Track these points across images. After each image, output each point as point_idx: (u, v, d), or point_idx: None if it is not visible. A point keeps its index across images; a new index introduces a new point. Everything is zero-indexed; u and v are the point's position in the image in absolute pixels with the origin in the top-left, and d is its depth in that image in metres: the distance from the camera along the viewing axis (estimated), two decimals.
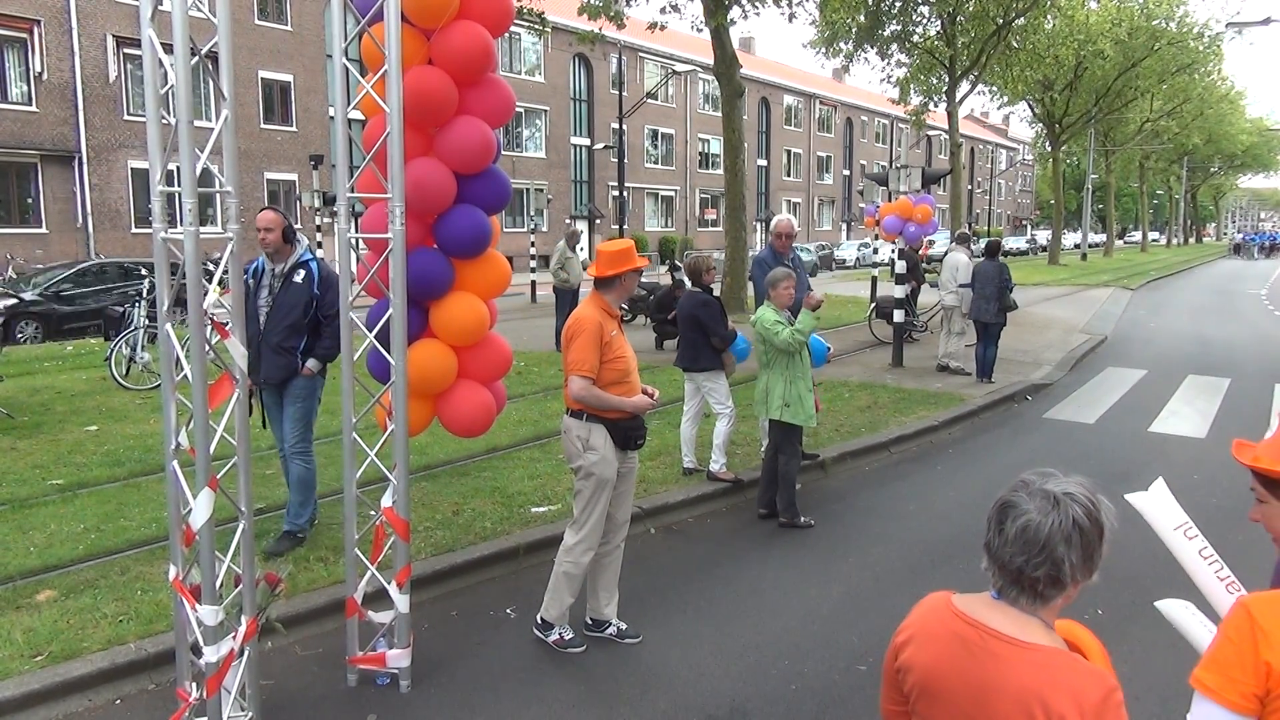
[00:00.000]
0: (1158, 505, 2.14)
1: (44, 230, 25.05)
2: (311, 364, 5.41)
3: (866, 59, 41.05)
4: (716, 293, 7.17)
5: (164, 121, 3.12)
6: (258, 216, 5.26)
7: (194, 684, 3.52)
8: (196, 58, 3.05)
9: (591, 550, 4.37)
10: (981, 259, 11.55)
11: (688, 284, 7.07)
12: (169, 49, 3.02)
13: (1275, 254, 58.58)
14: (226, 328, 3.26)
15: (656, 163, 48.24)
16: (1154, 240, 77.99)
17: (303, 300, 5.34)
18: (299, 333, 5.38)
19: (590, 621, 4.59)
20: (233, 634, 3.39)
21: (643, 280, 19.61)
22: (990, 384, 11.11)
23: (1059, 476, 1.66)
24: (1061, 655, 1.60)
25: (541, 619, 4.49)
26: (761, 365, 6.27)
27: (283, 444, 5.56)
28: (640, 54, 44.48)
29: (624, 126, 32.39)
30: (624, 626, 4.57)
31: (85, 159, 25.58)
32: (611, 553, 4.55)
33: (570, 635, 4.45)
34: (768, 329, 6.10)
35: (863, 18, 24.78)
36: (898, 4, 26.00)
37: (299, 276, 5.38)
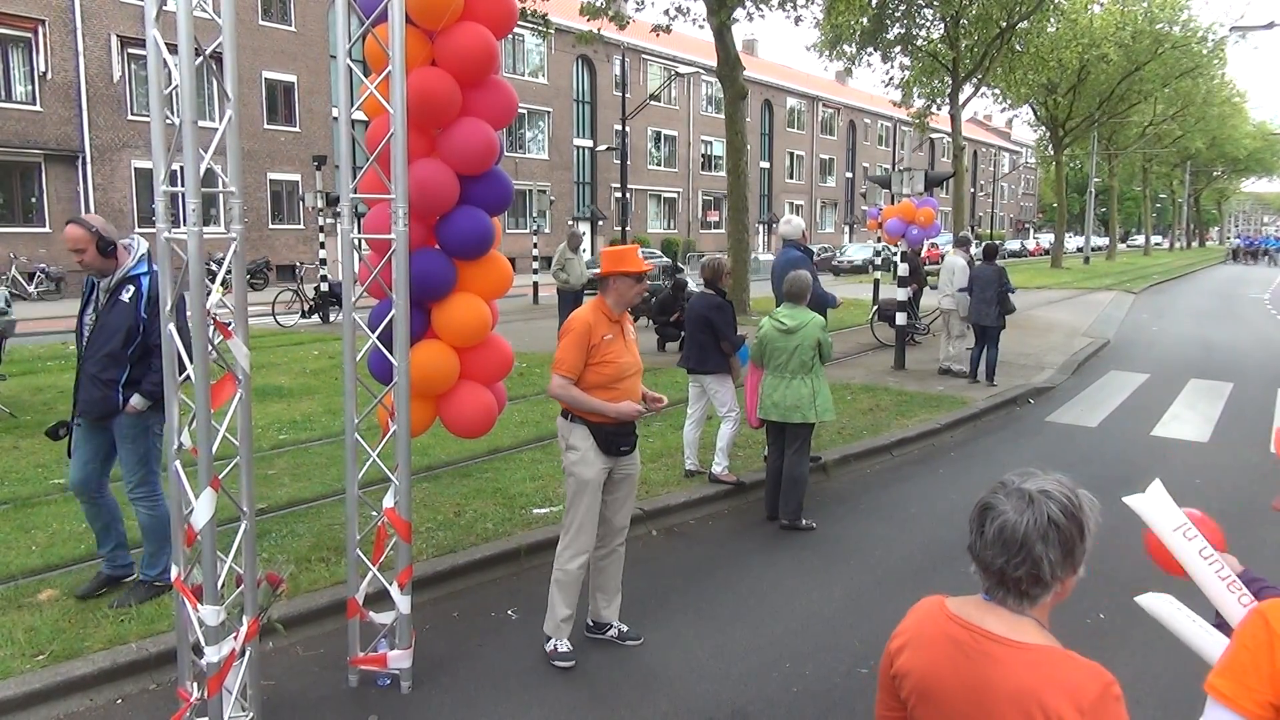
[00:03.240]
0: (1156, 507, 2.13)
1: (47, 230, 25.08)
2: (136, 401, 4.52)
3: (869, 62, 41.02)
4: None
5: (168, 122, 3.12)
6: (64, 232, 4.49)
7: (195, 684, 3.52)
8: (200, 58, 3.06)
9: (581, 555, 4.29)
10: (979, 263, 11.55)
11: (691, 286, 7.08)
12: (173, 49, 3.03)
13: None
14: (229, 327, 3.27)
15: (659, 164, 48.25)
16: (1157, 244, 77.92)
17: (125, 325, 4.49)
18: (118, 363, 4.50)
19: (591, 624, 4.58)
20: (234, 634, 3.39)
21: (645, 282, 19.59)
22: (992, 386, 11.10)
23: (1037, 475, 1.67)
24: (1056, 653, 1.61)
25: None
26: (803, 372, 6.16)
27: (86, 482, 4.69)
28: (643, 56, 44.51)
29: (627, 128, 32.33)
30: (625, 628, 4.55)
31: (89, 159, 25.63)
32: (608, 557, 4.49)
33: (563, 649, 4.31)
34: (825, 338, 6.20)
35: (866, 20, 24.79)
36: (901, 7, 26.01)
37: (126, 294, 4.51)
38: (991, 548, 1.62)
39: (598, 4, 18.75)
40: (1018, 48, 27.68)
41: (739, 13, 19.16)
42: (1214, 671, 1.68)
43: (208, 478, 3.18)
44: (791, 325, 6.18)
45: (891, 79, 29.63)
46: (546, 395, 4.31)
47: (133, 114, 26.36)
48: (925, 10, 26.62)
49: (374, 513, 4.26)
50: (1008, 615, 1.65)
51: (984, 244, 11.96)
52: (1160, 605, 2.08)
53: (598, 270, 4.45)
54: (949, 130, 30.14)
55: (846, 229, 64.04)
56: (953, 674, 1.67)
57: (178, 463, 3.37)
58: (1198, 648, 2.01)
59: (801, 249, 7.68)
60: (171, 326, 3.29)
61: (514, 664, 4.32)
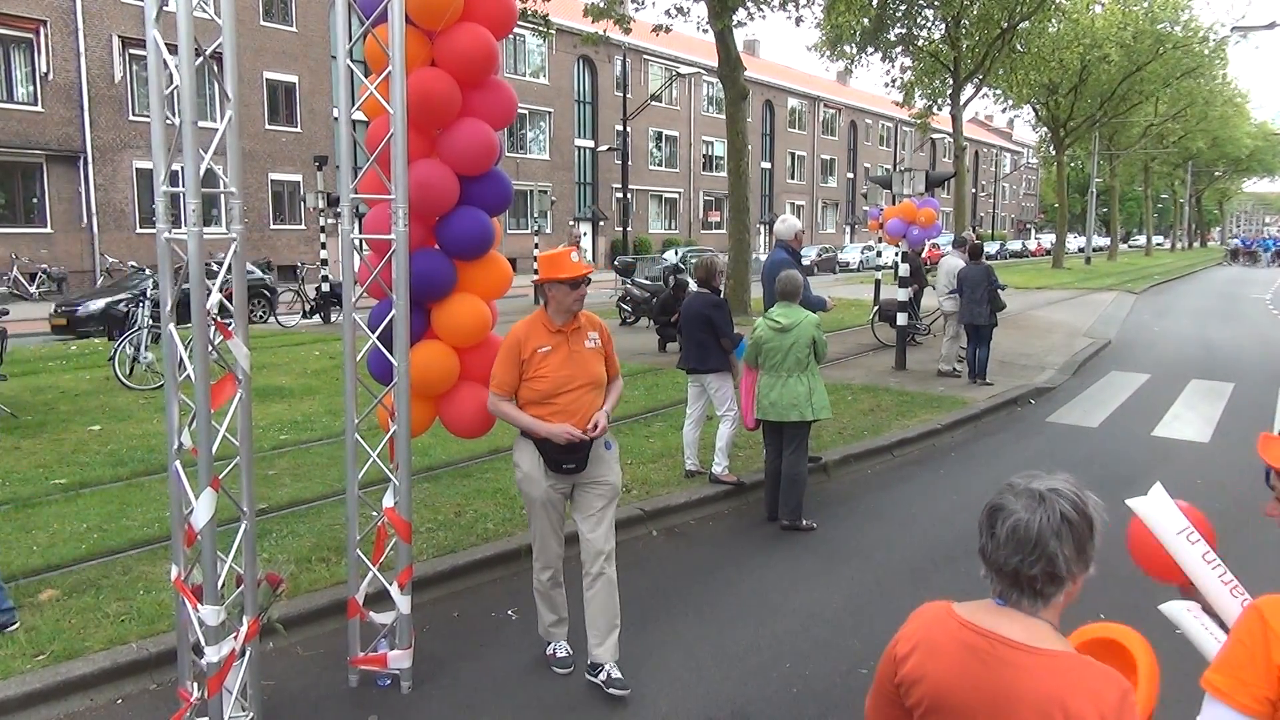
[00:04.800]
0: (1158, 510, 2.13)
1: (49, 230, 25.12)
2: None
3: (870, 63, 41.04)
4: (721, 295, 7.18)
5: (168, 122, 3.12)
6: None
7: (195, 684, 3.53)
8: (201, 58, 3.06)
9: (547, 569, 4.16)
10: (966, 263, 11.57)
11: (692, 286, 7.09)
12: (174, 49, 3.03)
13: None
14: (229, 328, 3.27)
15: (660, 165, 48.26)
16: (1158, 244, 77.89)
17: None
18: None
19: (589, 663, 4.15)
20: (234, 634, 3.39)
21: (646, 283, 19.59)
22: (989, 386, 11.12)
23: (1043, 475, 1.68)
24: (1076, 659, 1.61)
25: None
26: (799, 370, 6.19)
27: None
28: (644, 56, 44.52)
29: (628, 129, 32.40)
30: (615, 675, 4.02)
31: (90, 159, 25.65)
32: (594, 584, 4.03)
33: (561, 654, 4.26)
34: (820, 335, 6.23)
35: (867, 21, 24.79)
36: (902, 7, 26.01)
37: None
38: (1005, 548, 1.62)
39: (601, 5, 18.72)
40: (1019, 48, 27.68)
41: (739, 14, 19.18)
42: (1210, 667, 1.68)
43: (208, 478, 3.18)
44: (786, 323, 6.21)
45: (893, 79, 29.65)
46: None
47: (134, 114, 26.38)
48: (926, 10, 26.63)
49: (374, 513, 4.26)
50: (1023, 619, 1.64)
51: (968, 244, 11.96)
52: (1180, 613, 2.08)
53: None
54: (950, 130, 30.14)
55: (848, 229, 64.03)
56: (969, 682, 1.65)
57: (178, 463, 3.38)
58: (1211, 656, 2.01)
59: (790, 251, 7.65)
60: (171, 327, 3.29)
61: (514, 664, 4.32)
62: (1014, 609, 1.66)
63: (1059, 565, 1.60)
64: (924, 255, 15.66)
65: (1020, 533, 1.60)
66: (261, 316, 18.44)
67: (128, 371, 10.69)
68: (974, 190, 71.05)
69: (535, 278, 4.05)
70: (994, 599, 1.69)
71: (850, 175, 65.01)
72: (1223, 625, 2.01)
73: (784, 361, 6.19)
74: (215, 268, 3.27)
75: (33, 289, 23.62)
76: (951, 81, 28.12)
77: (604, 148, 42.43)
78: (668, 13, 19.76)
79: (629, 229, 34.02)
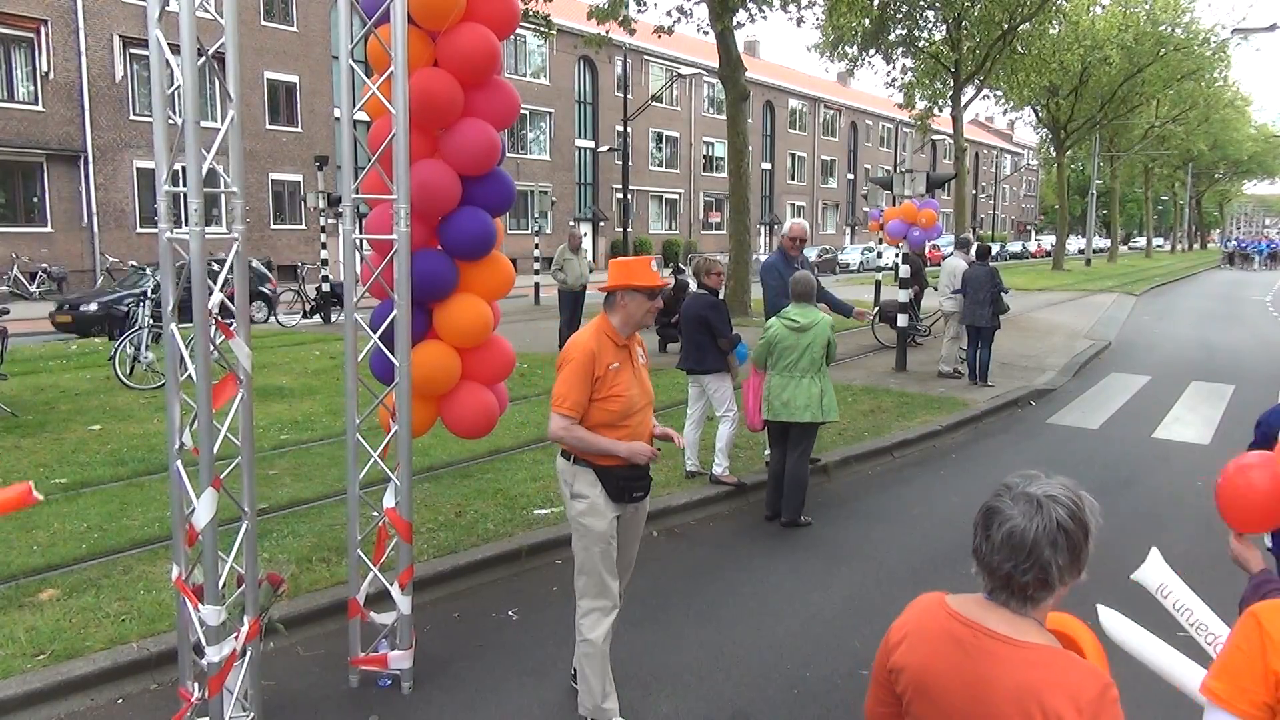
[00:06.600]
0: (1153, 573, 2.16)
1: (49, 229, 25.11)
2: None
3: (871, 63, 41.06)
4: (720, 296, 7.18)
5: (170, 122, 3.12)
6: None
7: (196, 684, 3.53)
8: (203, 58, 3.06)
9: (606, 616, 3.64)
10: (972, 264, 11.57)
11: (692, 285, 7.08)
12: (176, 49, 3.03)
13: (1277, 263, 57.93)
14: (231, 327, 3.27)
15: (661, 166, 48.26)
16: (1158, 246, 77.87)
17: None
18: None
19: (573, 670, 3.99)
20: (235, 634, 3.39)
21: None
22: (990, 387, 11.12)
23: (1041, 478, 1.67)
24: (1057, 653, 1.62)
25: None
26: (812, 371, 6.20)
27: None
28: (645, 57, 44.51)
29: (629, 129, 32.36)
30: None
31: (91, 159, 25.64)
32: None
33: None
34: (834, 337, 6.27)
35: (868, 22, 24.80)
36: (903, 8, 26.02)
37: None
38: (999, 553, 1.62)
39: (604, 6, 18.70)
40: (1020, 50, 27.68)
41: (740, 15, 19.19)
42: (1209, 674, 1.69)
43: (209, 478, 3.18)
44: (804, 323, 6.23)
45: (894, 81, 29.67)
46: (549, 439, 3.86)
47: (135, 114, 26.38)
48: (927, 12, 26.65)
49: (375, 513, 4.26)
50: (1010, 615, 1.66)
51: (975, 245, 11.97)
52: (1114, 623, 2.09)
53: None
54: (951, 132, 30.16)
55: (848, 230, 64.03)
56: (952, 670, 1.67)
57: (179, 462, 3.38)
58: (1151, 661, 2.03)
59: (782, 253, 7.59)
60: (173, 326, 3.28)
61: (515, 665, 4.31)
62: (1002, 606, 1.67)
63: (1051, 574, 1.60)
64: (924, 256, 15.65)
65: (1015, 539, 1.60)
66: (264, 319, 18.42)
67: (128, 371, 10.69)
68: (974, 192, 71.06)
69: (609, 284, 3.68)
70: (984, 593, 1.71)
71: (851, 176, 65.00)
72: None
73: (799, 361, 6.20)
74: (216, 267, 3.27)
75: (33, 288, 23.61)
76: (952, 83, 28.13)
77: (604, 148, 42.42)
78: (669, 13, 19.77)
79: (629, 230, 34.00)
